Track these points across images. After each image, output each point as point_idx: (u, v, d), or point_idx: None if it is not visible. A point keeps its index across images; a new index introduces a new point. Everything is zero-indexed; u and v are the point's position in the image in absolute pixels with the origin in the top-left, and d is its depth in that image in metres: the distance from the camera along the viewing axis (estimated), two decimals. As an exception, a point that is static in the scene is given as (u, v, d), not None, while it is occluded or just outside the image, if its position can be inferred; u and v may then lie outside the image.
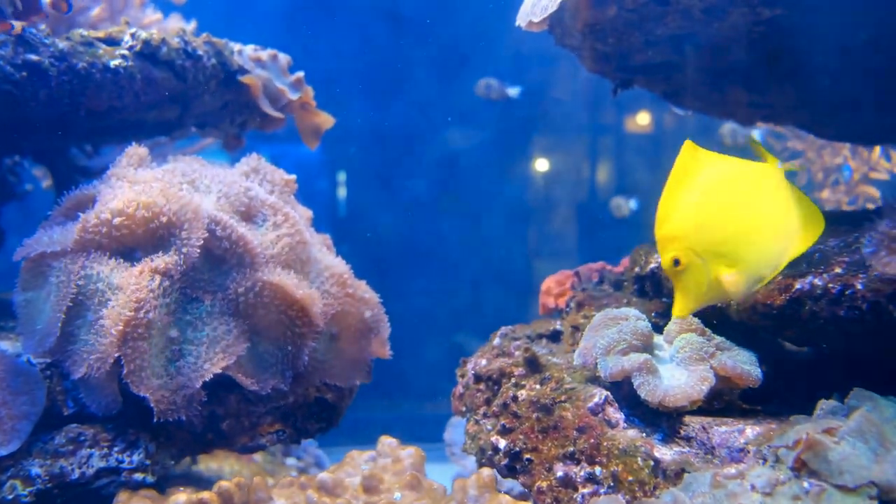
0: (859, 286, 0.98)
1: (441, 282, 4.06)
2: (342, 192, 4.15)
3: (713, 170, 0.97)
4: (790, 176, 1.04)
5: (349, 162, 4.14)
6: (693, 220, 0.94)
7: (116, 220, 1.27)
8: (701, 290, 0.95)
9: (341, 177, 4.15)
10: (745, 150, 3.63)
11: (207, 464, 2.10)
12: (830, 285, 1.01)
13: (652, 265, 1.37)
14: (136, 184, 1.34)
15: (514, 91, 3.52)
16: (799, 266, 1.07)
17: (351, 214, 4.13)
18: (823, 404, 1.01)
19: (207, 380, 1.24)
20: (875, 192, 2.84)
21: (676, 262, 0.94)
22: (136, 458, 1.26)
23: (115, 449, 1.26)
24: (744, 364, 1.11)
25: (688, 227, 0.94)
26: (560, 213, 4.29)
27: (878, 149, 2.77)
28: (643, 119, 4.16)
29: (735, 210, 0.95)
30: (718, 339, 1.17)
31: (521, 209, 4.31)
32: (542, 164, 4.30)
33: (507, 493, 1.17)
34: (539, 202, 4.32)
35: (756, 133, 3.34)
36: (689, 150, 0.98)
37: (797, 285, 1.04)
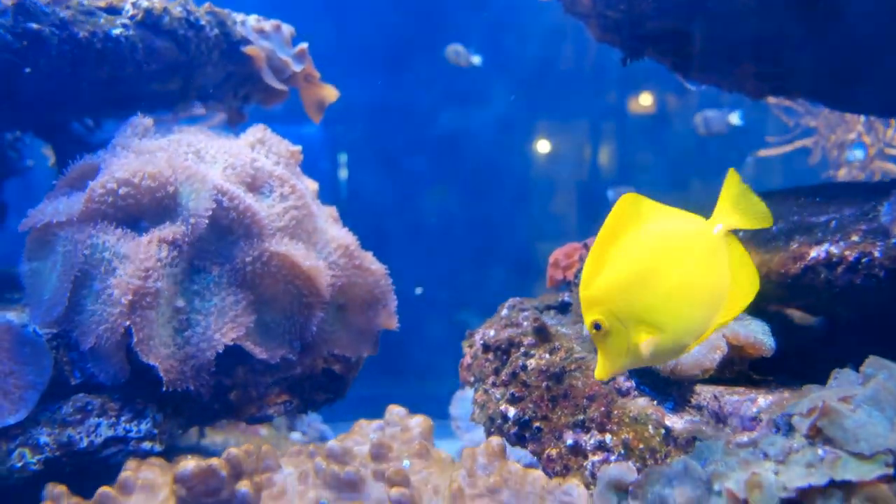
0: (877, 254, 0.97)
1: (444, 260, 4.05)
2: (344, 171, 4.14)
3: (644, 230, 0.92)
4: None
5: (351, 141, 4.12)
6: (616, 284, 0.90)
7: (122, 190, 1.26)
8: (622, 354, 0.92)
9: (343, 155, 4.14)
10: (720, 139, 3.61)
11: (213, 437, 2.11)
12: (847, 253, 1.00)
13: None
14: (141, 153, 1.33)
15: (476, 59, 3.57)
16: (814, 234, 1.06)
17: (353, 193, 4.11)
18: (837, 373, 1.01)
19: (220, 351, 1.24)
20: (893, 167, 2.79)
21: (598, 326, 0.91)
22: (143, 427, 1.26)
23: (123, 418, 1.25)
24: (756, 333, 1.11)
25: (611, 292, 0.91)
26: (564, 192, 4.28)
27: (894, 123, 2.72)
28: (646, 99, 4.13)
29: (660, 277, 0.90)
30: (730, 308, 1.16)
31: (524, 187, 4.30)
32: (546, 142, 4.28)
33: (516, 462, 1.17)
34: (543, 180, 4.31)
35: (736, 116, 3.25)
36: (624, 205, 0.92)
37: (812, 253, 1.03)
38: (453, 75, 3.89)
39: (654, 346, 0.91)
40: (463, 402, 2.30)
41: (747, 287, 0.92)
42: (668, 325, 0.91)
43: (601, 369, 0.94)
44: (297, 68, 1.84)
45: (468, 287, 4.03)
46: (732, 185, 0.93)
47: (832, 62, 1.46)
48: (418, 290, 3.87)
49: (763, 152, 3.05)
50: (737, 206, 0.93)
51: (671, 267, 0.90)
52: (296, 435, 2.54)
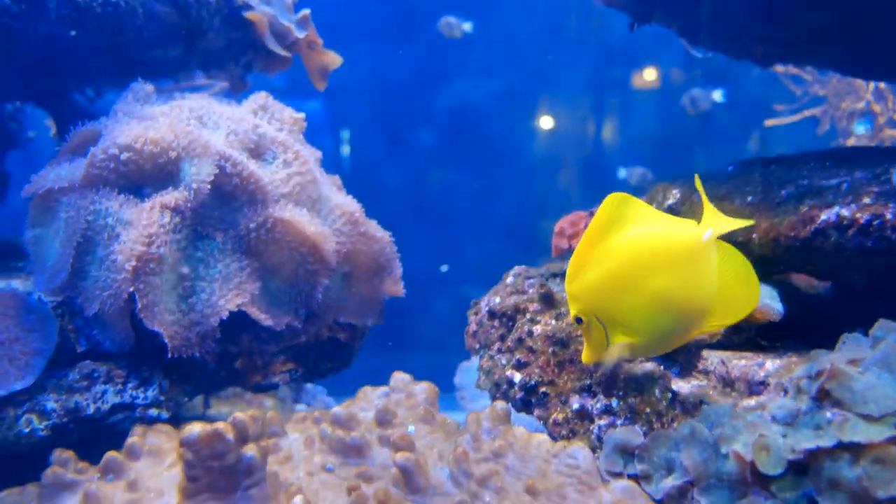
0: (889, 216, 0.96)
1: (448, 234, 4.04)
2: (347, 146, 4.11)
3: (628, 235, 0.91)
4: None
5: (354, 115, 4.09)
6: (595, 287, 0.91)
7: (124, 156, 1.25)
8: (601, 348, 0.95)
9: (346, 131, 4.11)
10: (728, 112, 3.57)
11: (219, 408, 2.12)
12: (858, 215, 0.98)
13: (670, 201, 1.34)
14: (143, 119, 1.31)
15: (467, 25, 3.57)
16: (825, 197, 1.05)
17: (356, 168, 4.09)
18: (846, 337, 1.00)
19: (224, 317, 1.23)
20: (902, 135, 2.75)
21: (579, 320, 0.94)
22: (150, 394, 1.27)
23: (130, 385, 1.26)
24: (764, 298, 1.10)
25: (589, 293, 0.92)
26: (568, 166, 4.25)
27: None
28: (650, 74, 4.09)
29: (637, 285, 0.90)
30: (738, 273, 1.15)
31: (529, 161, 4.27)
32: (550, 116, 4.24)
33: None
34: (547, 154, 4.28)
35: (719, 94, 3.26)
36: (611, 205, 0.92)
37: (823, 216, 1.02)
38: (457, 48, 3.84)
39: (630, 349, 0.93)
40: (468, 372, 2.30)
41: (748, 291, 0.91)
42: (642, 331, 0.92)
43: (585, 355, 0.97)
44: (299, 34, 1.81)
45: (472, 261, 4.03)
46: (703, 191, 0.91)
47: (843, 26, 1.43)
48: (444, 268, 3.91)
49: (770, 121, 3.02)
50: (717, 211, 0.91)
51: (649, 276, 0.90)
52: (301, 406, 2.55)
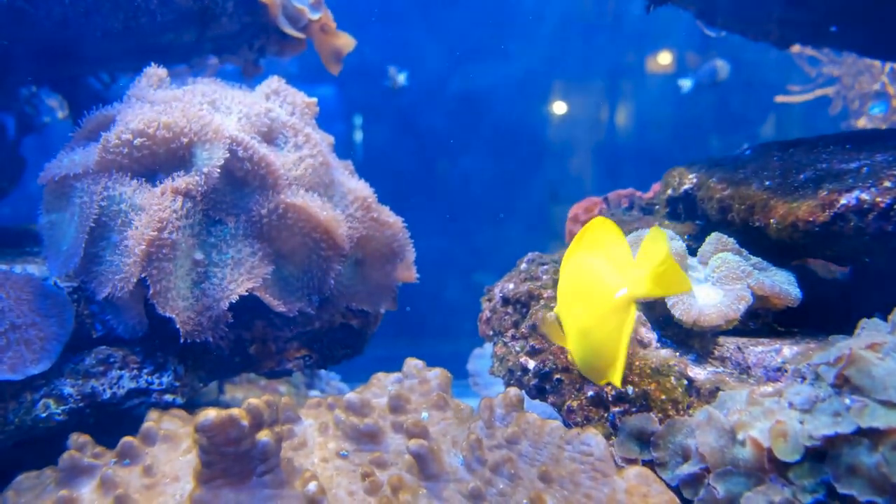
0: (910, 199, 0.94)
1: (461, 221, 4.03)
2: (360, 131, 4.10)
3: (581, 264, 0.94)
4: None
5: (367, 100, 4.07)
6: (558, 292, 0.99)
7: (137, 141, 1.25)
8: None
9: (359, 115, 4.10)
10: (741, 95, 3.51)
11: (233, 394, 2.13)
12: (879, 199, 0.96)
13: (686, 186, 1.32)
14: (156, 104, 1.31)
15: (402, 77, 3.60)
16: (845, 181, 1.03)
17: (369, 153, 4.08)
18: (865, 322, 0.98)
19: (234, 301, 1.23)
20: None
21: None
22: (165, 380, 1.27)
23: (145, 371, 1.26)
24: (782, 283, 1.08)
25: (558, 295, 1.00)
26: (581, 151, 4.22)
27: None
28: (665, 58, 4.05)
29: (568, 305, 0.95)
30: (755, 259, 1.14)
31: (542, 146, 4.25)
32: (563, 101, 4.21)
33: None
34: (560, 139, 4.25)
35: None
36: (588, 229, 0.95)
37: (842, 200, 1.00)
38: (470, 32, 3.81)
39: (572, 359, 0.96)
40: (480, 359, 2.30)
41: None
42: (576, 351, 0.94)
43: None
44: (313, 16, 1.79)
45: (485, 247, 4.02)
46: (654, 248, 0.82)
47: (864, 5, 1.40)
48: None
49: (780, 98, 2.98)
50: (654, 273, 0.81)
51: (574, 302, 0.94)
52: (315, 392, 2.56)
